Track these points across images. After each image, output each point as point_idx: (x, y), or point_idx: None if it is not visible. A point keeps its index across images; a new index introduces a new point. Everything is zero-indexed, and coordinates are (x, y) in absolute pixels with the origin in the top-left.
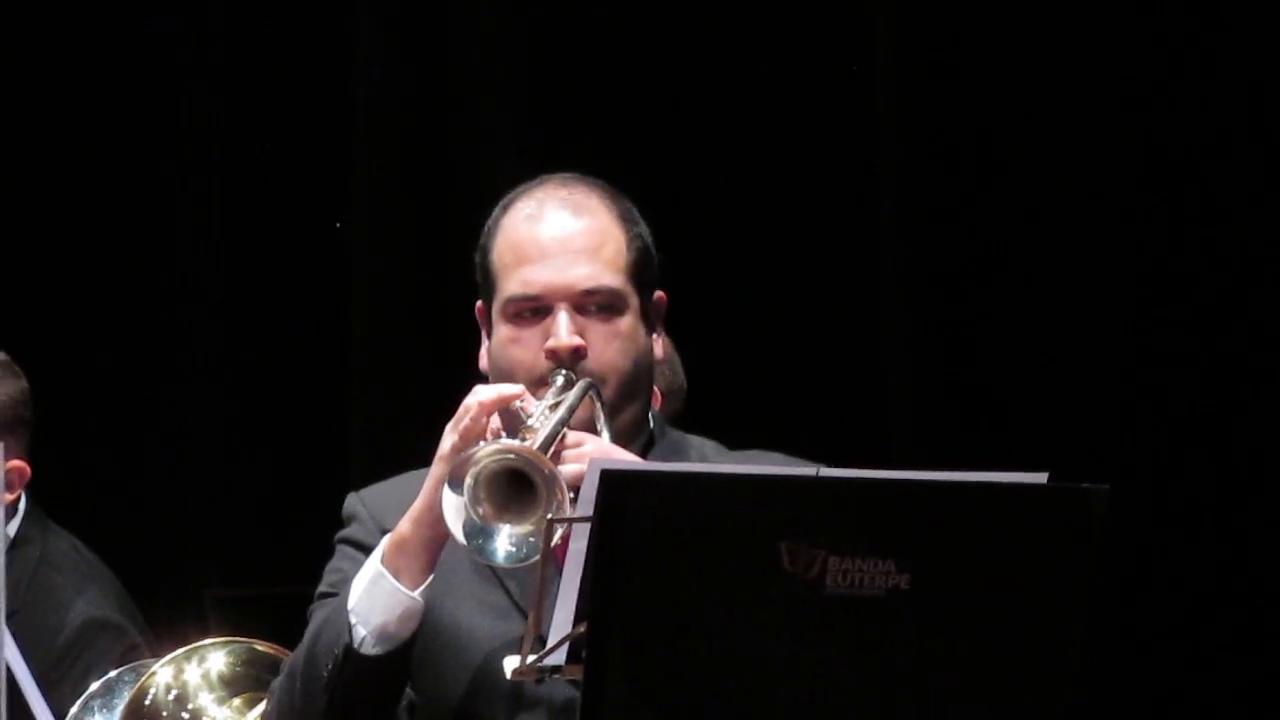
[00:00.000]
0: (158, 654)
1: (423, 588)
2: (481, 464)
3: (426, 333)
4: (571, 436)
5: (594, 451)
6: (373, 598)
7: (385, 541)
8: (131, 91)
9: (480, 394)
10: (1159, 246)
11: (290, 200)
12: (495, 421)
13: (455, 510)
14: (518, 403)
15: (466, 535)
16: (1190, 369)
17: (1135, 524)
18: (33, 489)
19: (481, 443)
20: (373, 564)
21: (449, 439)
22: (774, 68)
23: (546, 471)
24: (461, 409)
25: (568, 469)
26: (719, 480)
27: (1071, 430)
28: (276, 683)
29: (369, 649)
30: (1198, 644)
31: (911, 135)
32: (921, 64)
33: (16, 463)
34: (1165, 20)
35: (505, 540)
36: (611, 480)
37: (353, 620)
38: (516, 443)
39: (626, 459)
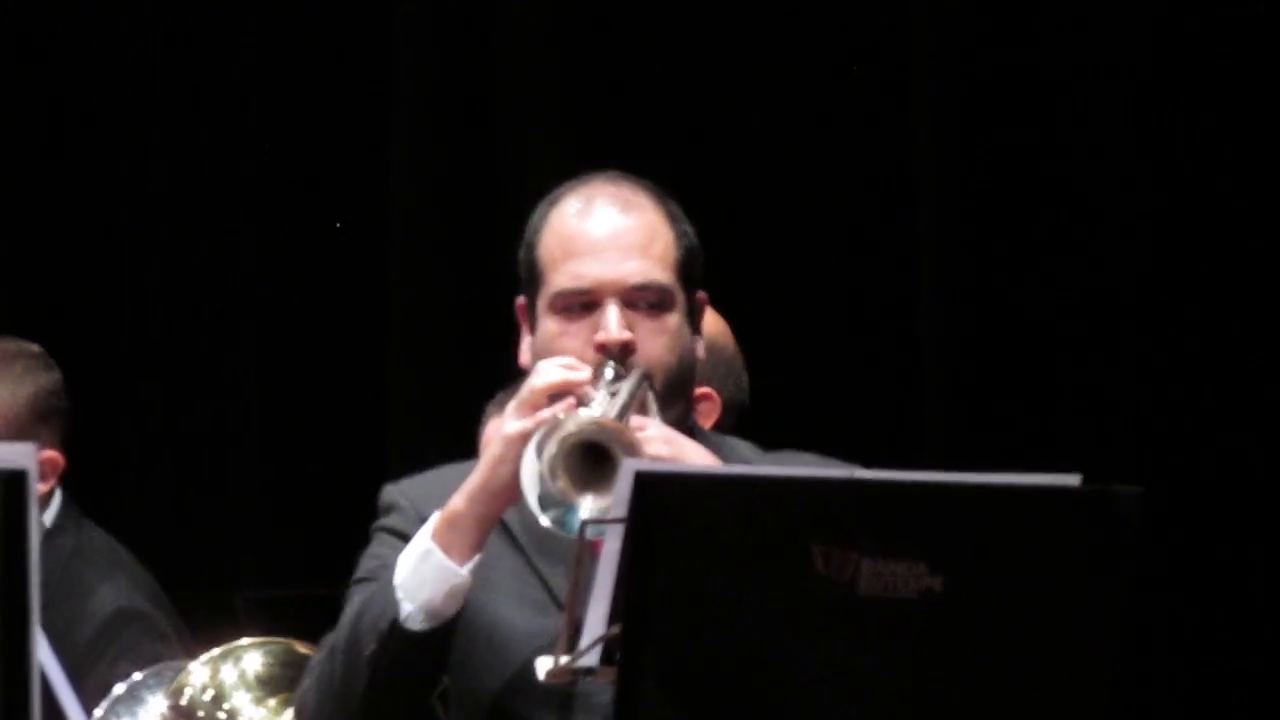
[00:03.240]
0: (192, 654)
1: (470, 564)
2: (568, 432)
3: (463, 336)
4: (635, 420)
5: (658, 435)
6: (421, 574)
7: (435, 517)
8: (176, 88)
9: (547, 375)
10: (1199, 245)
11: (328, 199)
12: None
13: (532, 481)
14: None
15: (542, 506)
16: (1232, 371)
17: (1171, 526)
18: (68, 487)
19: (572, 413)
20: (422, 540)
21: (514, 420)
22: (811, 67)
23: (627, 442)
24: (526, 390)
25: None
26: (752, 482)
27: (1108, 432)
28: (315, 660)
29: (415, 625)
30: (1235, 646)
31: (948, 136)
32: (958, 63)
33: (50, 453)
34: (1188, 16)
35: (586, 513)
36: (645, 481)
37: (399, 596)
38: (609, 417)
39: (689, 443)
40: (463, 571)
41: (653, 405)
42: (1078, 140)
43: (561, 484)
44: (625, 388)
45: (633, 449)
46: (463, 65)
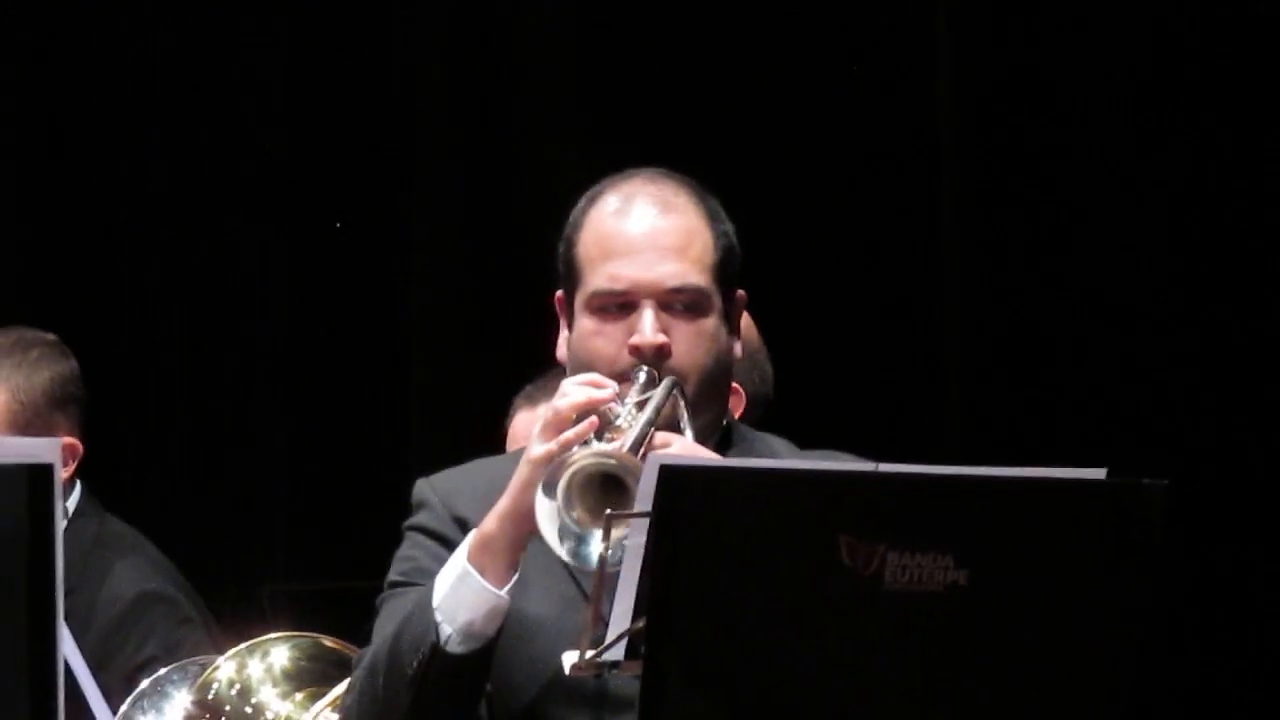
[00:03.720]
0: (215, 639)
1: (509, 586)
2: (575, 468)
3: (484, 330)
4: (659, 437)
5: (681, 451)
6: (459, 595)
7: (470, 538)
8: (196, 100)
9: (571, 396)
10: (1224, 236)
11: (351, 198)
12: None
13: (549, 515)
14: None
15: (560, 539)
16: (1256, 363)
17: (1197, 520)
18: (96, 479)
19: (574, 448)
20: (458, 561)
21: (539, 443)
22: (830, 61)
23: (639, 474)
24: (550, 411)
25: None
26: (777, 476)
27: (1132, 426)
28: (356, 677)
29: (455, 647)
30: (1261, 640)
31: (970, 135)
32: (979, 59)
33: (69, 440)
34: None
35: (599, 544)
36: (670, 475)
37: (439, 618)
38: (610, 446)
39: (711, 458)
40: (502, 594)
41: (684, 413)
42: (1096, 139)
43: (578, 514)
44: (652, 401)
45: (641, 476)
46: (481, 63)
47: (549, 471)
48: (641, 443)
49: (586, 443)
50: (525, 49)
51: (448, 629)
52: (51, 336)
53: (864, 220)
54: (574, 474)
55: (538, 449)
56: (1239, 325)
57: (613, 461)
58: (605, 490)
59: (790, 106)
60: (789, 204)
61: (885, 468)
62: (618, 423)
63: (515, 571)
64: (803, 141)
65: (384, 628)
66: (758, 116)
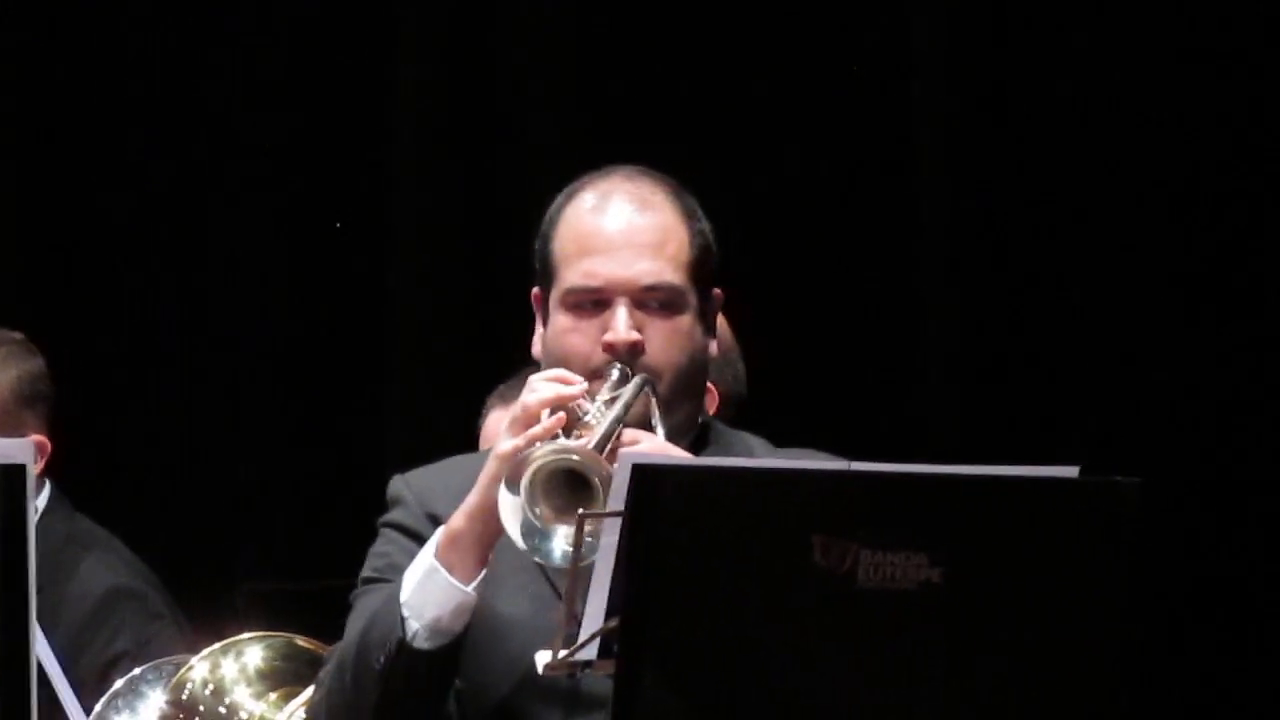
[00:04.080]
0: (191, 645)
1: (476, 582)
2: (538, 465)
3: (463, 329)
4: (628, 434)
5: (649, 449)
6: (426, 591)
7: (438, 535)
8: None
9: (539, 392)
10: (1207, 237)
11: (334, 194)
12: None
13: (512, 510)
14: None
15: (524, 535)
16: (1236, 360)
17: (1176, 517)
18: (66, 479)
19: (537, 444)
20: (425, 558)
21: (507, 439)
22: (815, 61)
23: (604, 472)
24: (519, 407)
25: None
26: (750, 474)
27: (1111, 424)
28: (325, 673)
29: (421, 643)
30: (1240, 638)
31: (957, 125)
32: (963, 57)
33: (38, 438)
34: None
35: (563, 540)
36: (642, 474)
37: (405, 614)
38: (574, 443)
39: (681, 456)
40: (468, 590)
41: (655, 411)
42: (1096, 117)
43: (541, 511)
44: (622, 398)
45: (607, 476)
46: (475, 62)
47: (512, 468)
48: (609, 440)
49: (554, 438)
50: (521, 48)
51: (414, 625)
52: (18, 335)
53: (843, 217)
54: (537, 470)
55: (505, 444)
56: (1234, 324)
57: (575, 458)
58: (569, 487)
59: (778, 107)
60: (769, 202)
61: (858, 466)
62: (587, 419)
63: (483, 568)
64: (790, 140)
65: (354, 624)
66: (742, 116)
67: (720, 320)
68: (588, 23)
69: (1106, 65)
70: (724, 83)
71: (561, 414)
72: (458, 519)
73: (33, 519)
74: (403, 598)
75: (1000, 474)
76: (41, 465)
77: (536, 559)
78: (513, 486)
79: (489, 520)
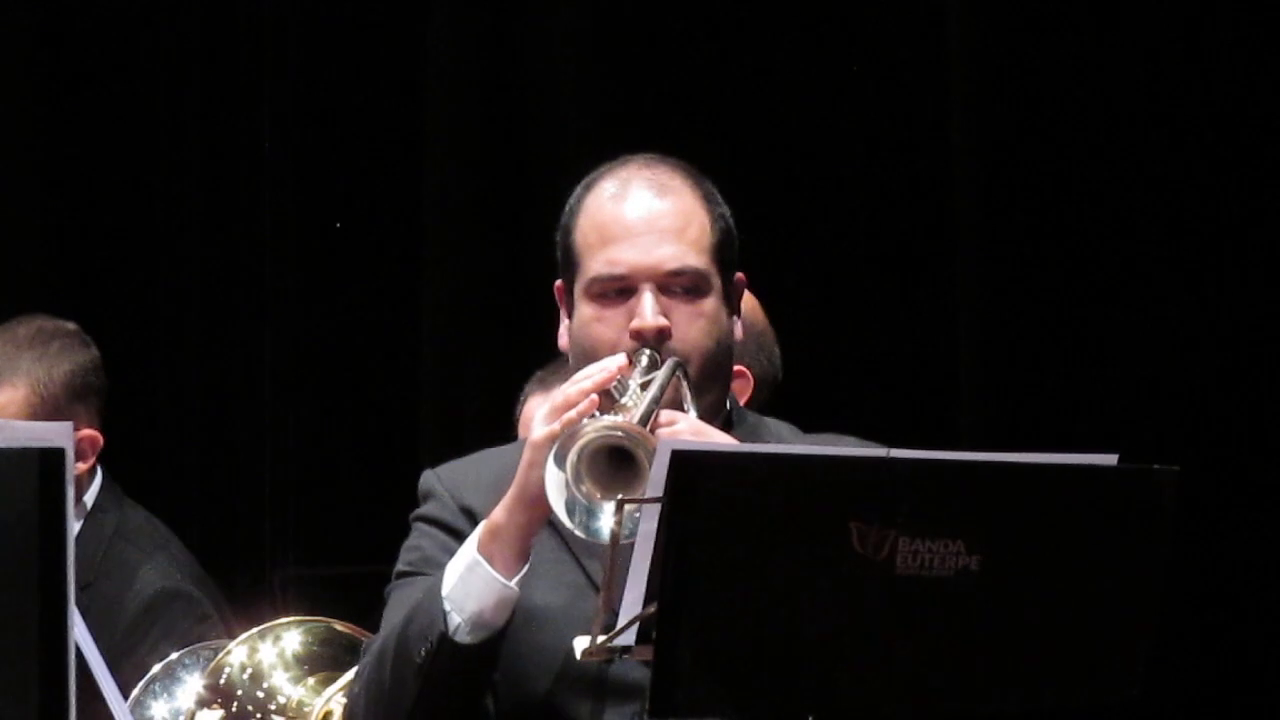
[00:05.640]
0: (231, 634)
1: (519, 576)
2: (586, 440)
3: (495, 317)
4: (665, 414)
5: (687, 429)
6: (468, 585)
7: (480, 529)
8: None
9: (579, 383)
10: (1235, 225)
11: (364, 190)
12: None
13: (557, 488)
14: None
15: (569, 512)
16: (1268, 349)
17: (1211, 506)
18: (109, 466)
19: (585, 419)
20: (468, 551)
21: (541, 426)
22: (845, 51)
23: (650, 447)
24: (559, 394)
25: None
26: (789, 461)
27: (1147, 413)
28: (364, 664)
29: (464, 637)
30: (1274, 626)
31: (986, 119)
32: (995, 55)
33: (90, 432)
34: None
35: (608, 517)
36: (681, 461)
37: (448, 608)
38: (619, 419)
39: (719, 436)
40: (511, 584)
41: (687, 394)
42: (1122, 110)
43: (586, 488)
44: (656, 380)
45: (653, 452)
46: (495, 55)
47: (560, 443)
48: (648, 418)
49: (595, 416)
50: (540, 43)
51: (456, 618)
52: (72, 326)
53: (875, 202)
54: (584, 446)
55: (540, 431)
56: (1263, 312)
57: (620, 434)
58: (614, 463)
59: (805, 95)
60: (799, 188)
61: (897, 453)
62: (623, 400)
63: (525, 562)
64: (817, 127)
65: (392, 617)
66: (771, 104)
67: (754, 303)
68: (618, 18)
69: (1140, 61)
70: (747, 71)
71: (594, 398)
72: (499, 512)
73: (71, 503)
74: (444, 591)
75: (1038, 461)
76: (93, 460)
77: (583, 535)
78: (560, 461)
79: (529, 509)
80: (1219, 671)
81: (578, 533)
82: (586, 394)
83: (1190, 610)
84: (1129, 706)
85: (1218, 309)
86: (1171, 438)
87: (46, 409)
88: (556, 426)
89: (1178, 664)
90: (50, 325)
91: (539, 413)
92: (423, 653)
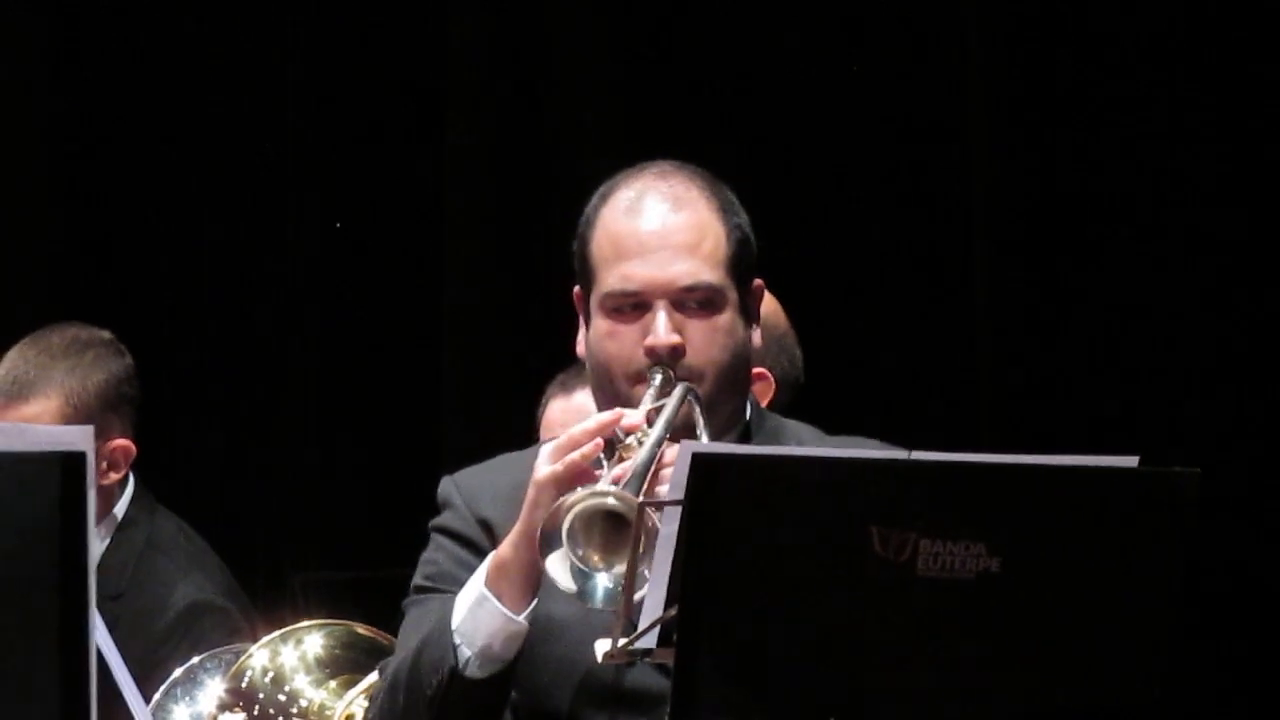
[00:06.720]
0: (253, 639)
1: (527, 611)
2: (574, 512)
3: (514, 321)
4: (670, 453)
5: None
6: (477, 619)
7: (488, 562)
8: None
9: (585, 424)
10: (1260, 225)
11: (385, 192)
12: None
13: (559, 558)
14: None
15: (575, 579)
16: None
17: (1230, 508)
18: (138, 471)
19: (581, 486)
20: (476, 585)
21: (546, 465)
22: (865, 55)
23: (635, 508)
24: (565, 437)
25: (668, 489)
26: (809, 464)
27: (1167, 414)
28: (379, 690)
29: (474, 671)
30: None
31: (1003, 117)
32: (1015, 57)
33: (122, 441)
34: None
35: (605, 580)
36: (702, 464)
37: (457, 641)
38: (605, 486)
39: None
40: (519, 619)
41: (699, 419)
42: (1145, 106)
43: (583, 553)
44: (664, 414)
45: (642, 515)
46: (517, 52)
47: (547, 520)
48: (649, 465)
49: (599, 460)
50: (561, 41)
51: (466, 652)
52: (106, 334)
53: (895, 203)
54: (574, 517)
55: (544, 471)
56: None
57: (611, 500)
58: (610, 525)
59: (826, 98)
60: (821, 190)
61: (918, 455)
62: (628, 440)
63: (534, 597)
64: (839, 129)
65: (407, 640)
66: (791, 106)
67: (775, 305)
68: (641, 17)
69: (1163, 60)
70: (766, 71)
71: (600, 440)
72: (505, 548)
73: (92, 509)
74: (454, 624)
75: (1059, 464)
76: (126, 470)
77: (582, 600)
78: (553, 538)
79: (533, 548)
80: (1238, 673)
81: (580, 599)
82: (592, 436)
83: (1210, 612)
84: (1150, 709)
85: (1240, 310)
86: (1192, 440)
87: (80, 419)
88: (560, 468)
89: (1197, 666)
90: (85, 334)
91: (544, 449)
92: (434, 685)
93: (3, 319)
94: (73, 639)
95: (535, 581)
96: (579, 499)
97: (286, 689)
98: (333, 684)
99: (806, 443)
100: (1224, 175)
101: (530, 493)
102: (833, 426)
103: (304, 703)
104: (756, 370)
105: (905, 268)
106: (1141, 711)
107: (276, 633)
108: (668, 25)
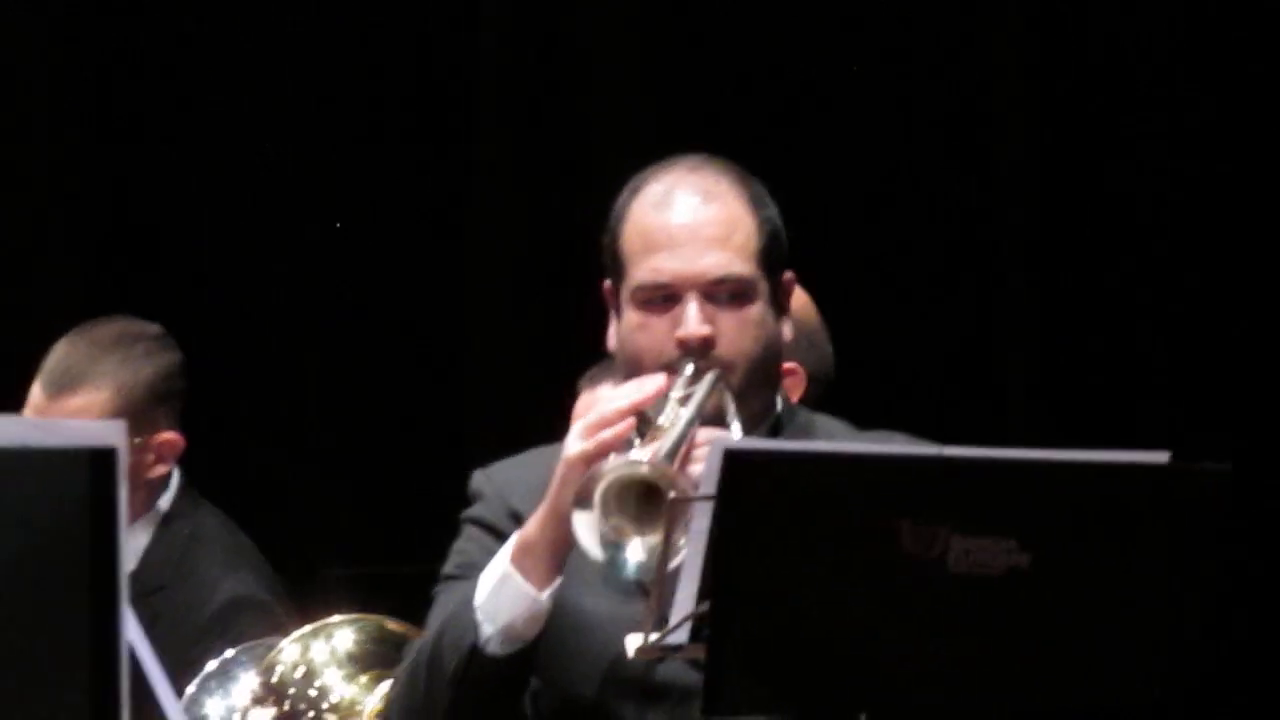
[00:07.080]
0: (285, 634)
1: (550, 589)
2: (608, 480)
3: (540, 315)
4: (702, 435)
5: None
6: (500, 597)
7: (513, 540)
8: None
9: (616, 401)
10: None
11: (413, 184)
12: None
13: (588, 526)
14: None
15: (602, 548)
16: None
17: (1264, 505)
18: (187, 468)
19: (605, 459)
20: (501, 562)
21: (576, 442)
22: (893, 48)
23: (672, 479)
24: (595, 414)
25: (699, 469)
26: (840, 459)
27: (1198, 410)
28: (401, 670)
29: (495, 649)
30: None
31: (1033, 112)
32: (1045, 54)
33: (170, 435)
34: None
35: (637, 551)
36: (733, 459)
37: (479, 618)
38: (642, 454)
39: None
40: (542, 598)
41: (729, 406)
42: (1172, 105)
43: (614, 522)
44: (694, 398)
45: (675, 484)
46: (544, 53)
47: (581, 486)
48: (682, 442)
49: (629, 441)
50: (589, 36)
51: (488, 630)
52: (156, 328)
53: (926, 198)
54: (608, 485)
55: (574, 448)
56: None
57: (645, 469)
58: (642, 497)
59: (856, 93)
60: (852, 185)
61: (949, 451)
62: (660, 420)
63: (558, 576)
64: (869, 124)
65: (433, 623)
66: (822, 101)
67: (806, 300)
68: (673, 9)
69: (1191, 58)
70: (810, 66)
71: (632, 419)
72: (531, 525)
73: (124, 506)
74: (477, 601)
75: (1090, 459)
76: (172, 464)
77: (611, 572)
78: (585, 503)
79: (560, 526)
80: (1271, 671)
81: (609, 570)
82: (624, 414)
83: (1242, 609)
84: (1180, 706)
85: (1271, 306)
86: (1223, 436)
87: (129, 412)
88: (590, 446)
89: (1230, 663)
90: (135, 328)
91: (575, 427)
92: (455, 663)
93: (3, 319)
94: (103, 638)
95: (560, 560)
96: (614, 467)
97: (317, 684)
98: (363, 679)
99: (837, 438)
100: (1268, 173)
101: (560, 469)
102: (863, 422)
103: (335, 698)
104: (787, 365)
105: (937, 263)
106: (1170, 709)
107: (307, 627)
108: (699, 20)
